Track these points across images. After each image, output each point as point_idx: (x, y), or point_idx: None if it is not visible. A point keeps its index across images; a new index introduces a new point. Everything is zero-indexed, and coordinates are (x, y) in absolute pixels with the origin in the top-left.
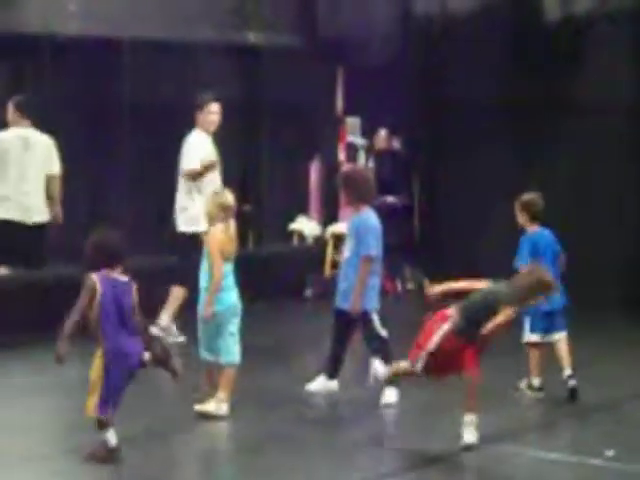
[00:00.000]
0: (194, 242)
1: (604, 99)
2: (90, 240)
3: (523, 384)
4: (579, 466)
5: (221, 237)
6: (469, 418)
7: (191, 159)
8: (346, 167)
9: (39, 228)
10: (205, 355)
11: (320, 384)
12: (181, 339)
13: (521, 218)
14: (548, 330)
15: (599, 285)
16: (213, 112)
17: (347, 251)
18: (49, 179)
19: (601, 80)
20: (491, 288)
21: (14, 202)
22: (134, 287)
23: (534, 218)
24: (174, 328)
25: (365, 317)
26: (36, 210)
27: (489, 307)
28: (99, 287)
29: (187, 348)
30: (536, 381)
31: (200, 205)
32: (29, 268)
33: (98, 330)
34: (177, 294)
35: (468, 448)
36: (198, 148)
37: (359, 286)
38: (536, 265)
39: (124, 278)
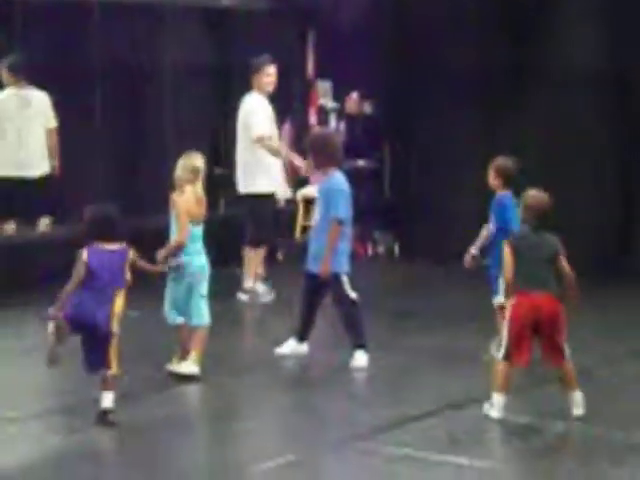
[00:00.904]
0: (264, 201)
1: (573, 66)
2: (85, 214)
3: (493, 347)
4: (548, 430)
5: (189, 200)
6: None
7: (258, 124)
8: (314, 130)
9: (39, 182)
10: (174, 317)
11: (290, 347)
12: (268, 298)
13: (494, 181)
14: None
15: (571, 251)
16: (270, 74)
17: (317, 214)
18: (48, 133)
19: (570, 47)
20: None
21: (13, 159)
22: (129, 253)
23: (507, 184)
24: (261, 288)
25: (335, 280)
26: (37, 165)
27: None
28: (87, 261)
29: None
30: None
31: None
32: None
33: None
34: (250, 255)
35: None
36: (259, 111)
37: (329, 249)
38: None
39: (117, 246)
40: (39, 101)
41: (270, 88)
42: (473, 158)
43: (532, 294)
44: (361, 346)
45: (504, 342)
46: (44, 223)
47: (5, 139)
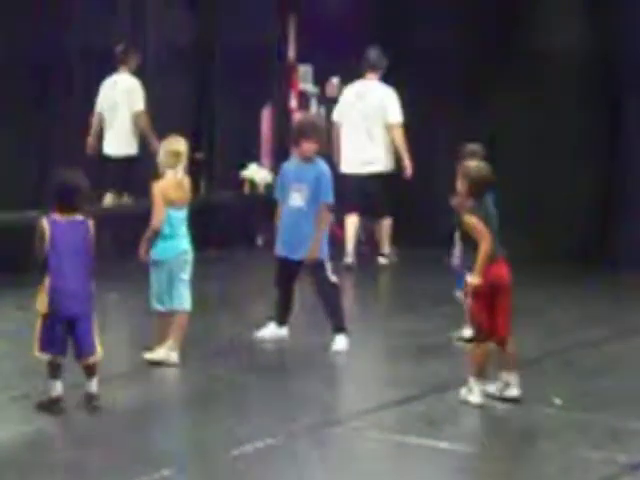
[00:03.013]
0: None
1: (558, 45)
2: (50, 182)
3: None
4: (527, 415)
5: (167, 184)
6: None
7: (398, 111)
8: (306, 115)
9: (127, 161)
10: (156, 305)
11: (270, 331)
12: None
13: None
14: None
15: (554, 235)
16: None
17: (300, 201)
18: (136, 116)
19: (555, 27)
20: None
21: (109, 138)
22: (90, 225)
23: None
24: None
25: (319, 266)
26: (125, 144)
27: None
28: (47, 230)
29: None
30: (468, 332)
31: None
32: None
33: (44, 269)
34: (387, 223)
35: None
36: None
37: (319, 234)
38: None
39: (79, 217)
40: (126, 85)
41: None
42: (455, 140)
43: (495, 265)
44: (341, 330)
45: (474, 323)
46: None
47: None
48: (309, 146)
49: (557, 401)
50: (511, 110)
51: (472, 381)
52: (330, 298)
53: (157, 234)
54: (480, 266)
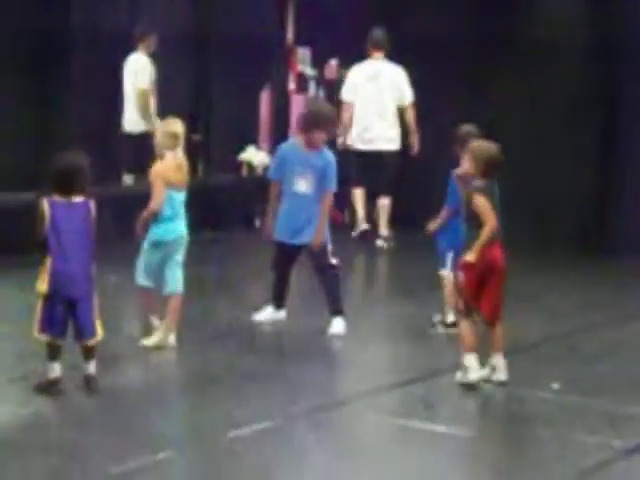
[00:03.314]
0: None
1: (558, 37)
2: (51, 163)
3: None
4: (525, 399)
5: (167, 166)
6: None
7: (410, 91)
8: (317, 104)
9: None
10: (142, 281)
11: (267, 314)
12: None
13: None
14: None
15: (553, 221)
16: None
17: (305, 187)
18: (137, 94)
19: (556, 18)
20: None
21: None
22: (91, 207)
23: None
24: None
25: (322, 250)
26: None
27: None
28: (47, 211)
29: None
30: (450, 317)
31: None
32: None
33: (45, 251)
34: (386, 203)
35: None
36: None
37: (324, 219)
38: None
39: (79, 199)
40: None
41: None
42: (452, 128)
43: (493, 247)
44: (339, 312)
45: (460, 301)
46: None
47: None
48: (320, 136)
49: (555, 386)
50: (511, 96)
51: (466, 358)
52: (331, 282)
53: (155, 216)
54: (480, 246)
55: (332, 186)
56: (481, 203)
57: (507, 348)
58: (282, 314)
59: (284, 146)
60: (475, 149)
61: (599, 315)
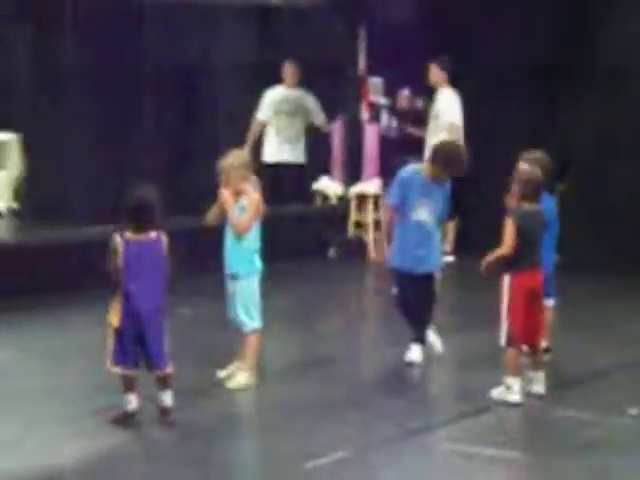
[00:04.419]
0: None
1: (627, 64)
2: (124, 198)
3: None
4: (603, 424)
5: (259, 196)
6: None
7: (458, 115)
8: (455, 145)
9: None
10: (258, 323)
11: (417, 353)
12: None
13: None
14: None
15: (627, 244)
16: None
17: (426, 216)
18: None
19: (625, 45)
20: None
21: None
22: (163, 241)
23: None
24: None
25: (433, 276)
26: None
27: None
28: (120, 246)
29: None
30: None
31: None
32: None
33: (117, 285)
34: (450, 226)
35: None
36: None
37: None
38: None
39: (152, 235)
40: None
41: None
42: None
43: (534, 269)
44: (420, 340)
45: (505, 326)
46: None
47: None
48: (447, 174)
49: (632, 411)
50: (580, 125)
51: (509, 380)
52: (427, 308)
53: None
54: (489, 261)
55: (446, 215)
56: (506, 226)
57: (583, 375)
58: (437, 344)
59: (404, 174)
60: (517, 171)
61: None
